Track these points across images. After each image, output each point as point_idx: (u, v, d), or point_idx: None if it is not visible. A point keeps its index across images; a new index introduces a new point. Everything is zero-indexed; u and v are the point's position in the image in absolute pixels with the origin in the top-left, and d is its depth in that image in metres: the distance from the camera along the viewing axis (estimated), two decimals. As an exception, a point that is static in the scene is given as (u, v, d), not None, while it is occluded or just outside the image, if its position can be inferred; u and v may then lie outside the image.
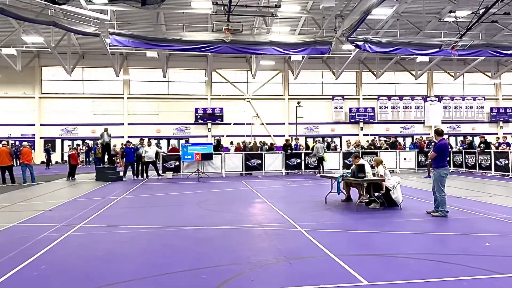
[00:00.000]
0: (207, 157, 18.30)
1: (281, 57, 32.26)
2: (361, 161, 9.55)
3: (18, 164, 18.62)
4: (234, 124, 33.67)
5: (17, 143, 28.24)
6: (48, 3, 17.77)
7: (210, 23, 24.53)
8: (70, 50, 30.41)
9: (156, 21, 25.45)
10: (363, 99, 35.75)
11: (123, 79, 32.88)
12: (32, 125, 31.90)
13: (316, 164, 19.22)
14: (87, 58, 32.47)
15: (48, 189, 13.97)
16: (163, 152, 19.98)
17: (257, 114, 34.37)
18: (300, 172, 19.52)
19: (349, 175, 9.55)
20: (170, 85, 34.09)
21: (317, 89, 35.55)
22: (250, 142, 22.88)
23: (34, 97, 32.04)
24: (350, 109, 35.27)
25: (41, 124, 32.14)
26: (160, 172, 18.23)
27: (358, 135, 34.44)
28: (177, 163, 18.61)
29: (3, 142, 17.63)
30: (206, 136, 33.40)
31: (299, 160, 19.62)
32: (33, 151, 26.43)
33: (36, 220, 8.30)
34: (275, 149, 22.24)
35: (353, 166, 9.54)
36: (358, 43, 20.53)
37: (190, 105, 33.62)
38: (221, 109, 33.78)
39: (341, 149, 25.36)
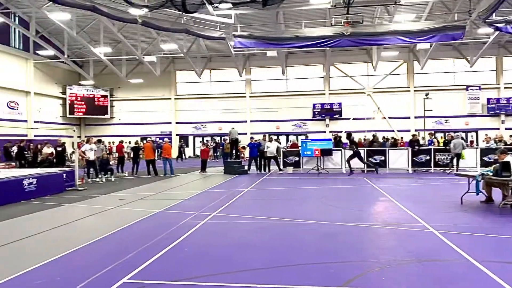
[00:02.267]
0: (326, 152, 18.22)
1: (405, 46, 30.25)
2: (508, 158, 8.44)
3: (160, 158, 21.03)
4: (354, 119, 32.76)
5: (157, 139, 31.98)
6: (181, 13, 19.73)
7: (328, 17, 24.30)
8: (200, 54, 33.22)
9: (276, 21, 26.23)
10: (505, 88, 31.34)
11: (246, 78, 34.66)
12: (169, 123, 35.84)
13: (448, 162, 17.57)
14: (214, 61, 35.12)
15: (184, 181, 15.57)
16: (283, 148, 20.52)
17: (378, 108, 32.86)
18: (430, 170, 18.07)
19: (491, 174, 8.53)
20: (289, 82, 34.76)
21: (447, 79, 32.39)
22: (375, 136, 21.92)
23: (170, 98, 35.93)
24: (488, 100, 31.24)
25: (176, 123, 35.90)
26: (281, 166, 18.78)
27: (498, 129, 30.33)
28: (297, 159, 18.93)
29: (147, 139, 20.21)
30: (324, 132, 33.21)
31: (427, 157, 18.17)
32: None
33: (177, 207, 9.34)
34: (399, 145, 21.00)
35: (496, 164, 8.48)
36: (499, 25, 18.11)
37: (308, 101, 33.81)
38: (340, 104, 33.20)
39: (477, 145, 22.68)
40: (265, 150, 18.40)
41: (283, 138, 32.96)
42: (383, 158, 18.33)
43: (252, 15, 24.97)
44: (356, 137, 22.15)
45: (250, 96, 34.93)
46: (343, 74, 33.77)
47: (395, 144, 20.62)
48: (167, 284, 4.38)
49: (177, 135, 35.66)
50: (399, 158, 18.33)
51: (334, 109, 33.25)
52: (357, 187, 13.13)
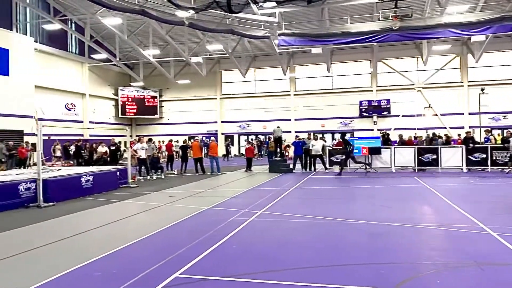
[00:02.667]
0: (374, 151, 17.75)
1: (458, 39, 28.85)
2: None
3: (206, 157, 21.48)
4: (403, 116, 31.65)
5: (204, 138, 32.68)
6: (226, 13, 20.02)
7: (375, 12, 23.65)
8: (244, 54, 33.53)
9: (320, 17, 25.91)
10: None
11: (290, 77, 34.54)
12: (215, 122, 36.50)
13: (507, 160, 16.54)
14: (258, 60, 35.31)
15: (230, 179, 15.80)
16: (329, 146, 20.24)
17: (429, 105, 31.51)
18: (486, 169, 17.08)
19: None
20: (334, 79, 34.21)
21: (505, 72, 30.38)
22: (435, 135, 21.08)
23: (216, 98, 36.58)
24: (552, 93, 29.04)
25: (222, 122, 36.50)
26: (327, 165, 18.53)
27: None
28: (344, 157, 18.56)
29: (195, 138, 20.71)
30: (372, 130, 32.36)
31: (484, 155, 17.17)
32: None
33: (224, 205, 9.50)
34: (452, 142, 20.04)
35: None
36: None
37: (354, 98, 33.11)
38: (388, 100, 32.21)
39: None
40: (311, 148, 18.23)
41: (328, 136, 32.52)
42: (434, 156, 17.56)
43: (296, 12, 24.81)
44: (406, 134, 21.47)
45: (294, 94, 34.78)
46: (391, 70, 32.73)
47: (447, 142, 19.70)
48: (219, 280, 4.47)
49: (222, 134, 36.25)
50: (452, 157, 17.48)
51: (382, 106, 32.31)
52: (408, 187, 12.68)
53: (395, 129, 29.84)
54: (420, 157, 17.65)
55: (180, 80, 35.37)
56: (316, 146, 18.18)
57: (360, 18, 23.31)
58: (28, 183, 9.91)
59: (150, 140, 18.20)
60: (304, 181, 14.49)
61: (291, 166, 18.43)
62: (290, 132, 31.92)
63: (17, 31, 25.85)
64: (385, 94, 32.68)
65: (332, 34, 20.78)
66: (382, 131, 24.91)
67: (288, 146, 26.05)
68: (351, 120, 33.48)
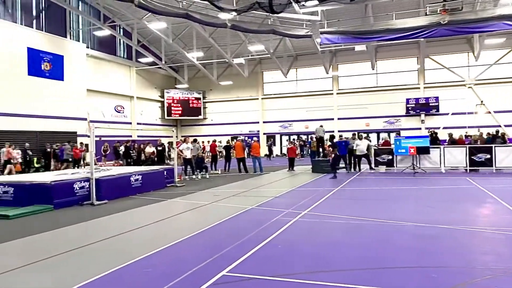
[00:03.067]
0: (423, 150, 17.09)
1: (514, 31, 27.13)
2: None
3: (249, 157, 21.65)
4: (452, 114, 30.26)
5: (246, 138, 32.96)
6: (268, 14, 20.10)
7: (422, 7, 22.80)
8: (286, 54, 33.47)
9: (364, 14, 25.32)
10: None
11: (333, 75, 34.05)
12: (257, 122, 36.72)
13: None
14: (300, 59, 35.11)
15: (273, 179, 15.84)
16: (374, 146, 19.76)
17: (481, 102, 29.90)
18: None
19: None
20: (379, 76, 33.34)
21: None
22: (498, 132, 20.02)
23: (257, 99, 36.79)
24: None
25: (263, 122, 36.65)
26: (373, 165, 18.11)
27: None
28: (390, 157, 18.08)
29: (238, 138, 20.95)
30: (419, 129, 31.18)
31: (544, 155, 16.06)
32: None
33: (268, 204, 9.54)
34: (508, 141, 18.89)
35: None
36: None
37: (400, 96, 32.07)
38: (436, 98, 30.91)
39: None
40: (355, 148, 17.89)
41: (373, 136, 31.74)
42: (488, 156, 16.64)
43: (338, 10, 24.43)
44: (456, 133, 20.52)
45: (337, 93, 34.25)
46: (439, 66, 31.38)
47: (504, 140, 18.59)
48: (266, 279, 4.51)
49: (264, 134, 36.39)
50: (507, 157, 16.47)
51: (430, 104, 31.06)
52: (459, 188, 12.12)
53: (444, 128, 28.59)
54: (472, 157, 16.79)
55: (223, 81, 35.94)
56: (361, 146, 17.82)
57: (405, 14, 22.56)
58: (83, 182, 10.48)
59: (195, 140, 18.63)
60: (349, 181, 14.24)
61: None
62: (333, 131, 31.44)
63: (70, 38, 27.37)
64: (433, 91, 31.39)
65: (377, 31, 20.28)
66: (430, 130, 23.93)
67: (331, 146, 25.64)
68: (397, 118, 32.45)
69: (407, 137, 19.00)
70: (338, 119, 33.74)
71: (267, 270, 4.81)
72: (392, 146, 18.43)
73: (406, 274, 4.68)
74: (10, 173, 17.39)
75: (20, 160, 19.09)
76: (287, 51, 33.47)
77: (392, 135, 29.65)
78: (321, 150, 20.06)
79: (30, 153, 20.03)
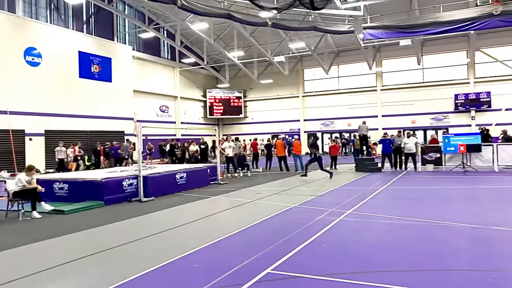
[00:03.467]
0: (474, 148, 16.27)
1: None
2: None
3: (290, 155, 21.58)
4: (506, 110, 28.52)
5: (286, 136, 32.90)
6: (309, 10, 19.87)
7: (473, -3, 21.66)
8: (327, 50, 33.02)
9: (409, 7, 24.47)
10: None
11: (376, 71, 33.19)
12: (297, 121, 36.53)
13: None
14: (341, 55, 34.52)
15: (315, 177, 15.66)
16: (421, 144, 19.04)
17: (539, 96, 28.02)
18: None
19: None
20: (425, 72, 32.10)
21: None
22: None
23: (298, 96, 36.59)
24: None
25: (304, 120, 36.39)
26: (419, 164, 17.46)
27: None
28: (438, 155, 17.36)
29: (279, 136, 20.95)
30: (469, 125, 29.72)
31: None
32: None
33: (310, 203, 9.46)
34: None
35: None
36: None
37: (448, 91, 30.71)
38: (488, 93, 29.32)
39: None
40: (402, 146, 17.31)
41: (419, 133, 30.63)
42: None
43: (382, 4, 23.75)
44: (511, 130, 19.35)
45: (381, 89, 33.36)
46: (491, 59, 29.72)
47: None
48: (311, 278, 4.48)
49: (305, 132, 36.12)
50: None
51: (481, 99, 29.51)
52: (515, 188, 11.43)
53: (496, 124, 27.00)
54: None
55: (263, 80, 36.04)
56: (409, 144, 17.19)
57: (454, 5, 21.53)
58: (131, 179, 10.90)
59: (236, 139, 18.84)
60: (395, 180, 13.82)
61: (380, 165, 17.69)
62: (377, 129, 30.68)
63: (117, 41, 28.51)
64: (484, 86, 29.78)
65: (423, 24, 19.49)
66: (482, 127, 22.72)
67: (375, 144, 25.06)
68: (445, 115, 31.10)
69: (456, 134, 18.17)
70: (382, 116, 32.85)
71: (312, 269, 4.77)
72: (440, 144, 17.69)
73: (460, 277, 4.48)
74: (77, 169, 18.74)
75: (73, 159, 20.19)
76: (329, 48, 33.00)
77: (440, 132, 28.49)
78: (365, 148, 19.60)
79: (82, 151, 21.11)
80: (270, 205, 9.39)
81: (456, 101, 30.37)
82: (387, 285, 4.17)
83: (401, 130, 19.37)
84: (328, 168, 16.71)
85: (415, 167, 17.25)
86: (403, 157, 17.56)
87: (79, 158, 20.28)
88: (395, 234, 6.44)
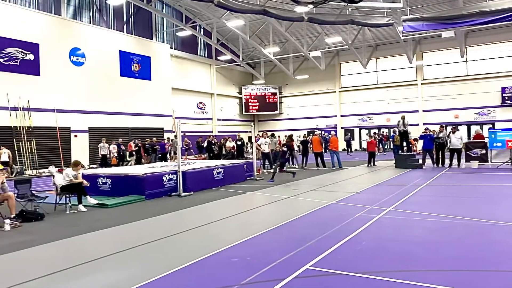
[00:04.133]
0: (523, 144, 15.42)
1: None
2: None
3: (326, 151, 21.33)
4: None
5: (323, 133, 32.47)
6: (346, 4, 19.50)
7: (523, -16, 20.41)
8: (365, 44, 32.27)
9: (452, -3, 23.47)
10: None
11: (416, 65, 32.10)
12: (334, 116, 36.02)
13: None
14: (380, 49, 33.65)
15: (352, 174, 15.42)
16: (465, 139, 18.24)
17: None
18: None
19: None
20: (470, 64, 30.68)
21: None
22: None
23: (335, 92, 36.05)
24: None
25: (341, 115, 35.82)
26: (463, 161, 16.75)
27: None
28: (483, 151, 16.58)
29: (315, 132, 20.74)
30: (518, 120, 28.17)
31: None
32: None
33: (349, 200, 9.31)
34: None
35: None
36: None
37: (495, 84, 29.22)
38: (539, 85, 27.64)
39: None
40: (447, 142, 16.64)
41: (463, 128, 29.38)
42: None
43: (424, -5, 22.94)
44: None
45: (422, 83, 32.24)
46: (543, 49, 27.97)
47: None
48: (351, 275, 4.41)
49: (342, 128, 35.57)
50: None
51: (531, 92, 27.86)
52: None
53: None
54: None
55: (299, 75, 35.77)
56: (453, 140, 16.51)
57: (502, -7, 20.39)
58: (170, 174, 11.17)
59: (272, 135, 18.82)
60: (437, 177, 13.33)
61: (421, 161, 17.12)
62: (417, 124, 29.72)
63: (156, 40, 29.22)
64: (535, 78, 28.12)
65: (467, 15, 18.65)
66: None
67: (415, 139, 24.27)
68: (492, 109, 29.63)
69: (503, 130, 17.28)
70: (423, 111, 31.77)
71: (351, 266, 4.70)
72: (486, 139, 16.89)
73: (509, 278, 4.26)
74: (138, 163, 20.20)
75: (115, 155, 20.95)
76: (366, 41, 32.25)
77: (486, 127, 27.20)
78: (405, 144, 19.04)
79: (123, 148, 21.86)
80: (308, 201, 9.34)
81: (504, 95, 28.84)
82: (430, 285, 4.04)
83: (444, 125, 18.60)
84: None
85: (459, 164, 16.57)
86: (445, 153, 16.90)
87: (133, 153, 21.27)
88: (440, 233, 6.21)
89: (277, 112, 38.71)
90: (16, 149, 18.91)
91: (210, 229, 6.99)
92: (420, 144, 20.69)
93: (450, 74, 31.23)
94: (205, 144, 22.96)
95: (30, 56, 20.16)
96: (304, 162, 19.23)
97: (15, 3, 20.50)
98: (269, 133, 19.07)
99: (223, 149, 21.67)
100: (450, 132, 16.98)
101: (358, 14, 23.27)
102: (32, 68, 20.22)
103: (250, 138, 23.09)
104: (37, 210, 8.29)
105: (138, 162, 21.56)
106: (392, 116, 31.70)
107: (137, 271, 4.79)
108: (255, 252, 5.44)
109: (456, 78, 30.90)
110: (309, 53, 31.87)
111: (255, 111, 38.50)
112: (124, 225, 7.41)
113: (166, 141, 23.05)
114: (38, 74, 20.48)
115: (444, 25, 19.97)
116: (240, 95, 38.05)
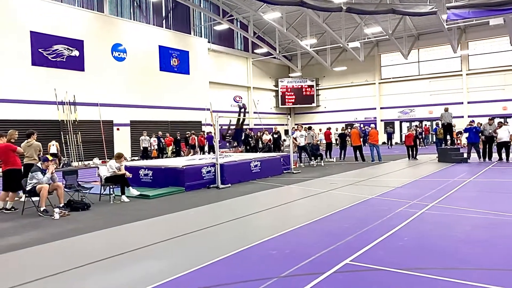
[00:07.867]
0: None
1: None
2: None
3: (365, 144, 20.91)
4: None
5: (361, 125, 31.81)
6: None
7: None
8: (406, 34, 31.19)
9: (502, -19, 22.10)
10: None
11: (461, 54, 30.68)
12: (373, 109, 35.17)
13: None
14: (422, 38, 32.41)
15: (393, 168, 15.02)
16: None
17: None
18: None
19: None
20: (520, 53, 28.92)
21: None
22: None
23: (374, 83, 35.15)
24: None
25: (381, 108, 34.91)
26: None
27: None
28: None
29: (354, 125, 20.35)
30: None
31: None
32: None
33: (389, 195, 9.08)
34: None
35: None
36: None
37: (550, 74, 27.42)
38: None
39: None
40: (494, 135, 15.82)
41: (511, 121, 27.81)
42: None
43: (470, -20, 21.71)
44: None
45: (467, 74, 30.79)
46: None
47: None
48: (393, 271, 4.31)
49: (382, 120, 34.68)
50: None
51: None
52: None
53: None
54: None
55: (337, 67, 35.13)
56: (501, 133, 15.67)
57: (559, -25, 18.99)
58: (209, 167, 11.35)
59: (309, 128, 18.65)
60: (483, 172, 12.74)
61: (466, 155, 16.39)
62: (462, 117, 28.46)
63: (194, 35, 29.62)
64: None
65: (519, -1, 17.52)
66: None
67: (459, 132, 23.26)
68: (544, 100, 27.87)
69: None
70: (468, 103, 30.37)
71: (393, 262, 4.59)
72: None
73: None
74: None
75: (156, 147, 21.55)
76: (408, 31, 31.14)
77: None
78: (449, 137, 18.29)
79: (163, 141, 22.42)
80: (346, 195, 9.20)
81: (558, 85, 27.05)
82: (479, 284, 3.88)
83: (492, 117, 17.69)
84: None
85: (508, 158, 15.73)
86: (493, 147, 16.08)
87: (151, 147, 21.66)
88: (487, 230, 5.94)
89: (314, 105, 38.29)
90: (63, 141, 19.88)
91: (249, 221, 7.05)
92: (464, 137, 19.81)
93: (498, 64, 29.58)
94: (242, 137, 23.09)
95: (76, 53, 21.04)
96: (343, 156, 18.94)
97: (61, 2, 21.40)
98: (306, 126, 18.93)
99: (260, 142, 21.72)
100: (496, 128, 16.07)
101: (399, 3, 22.48)
102: (77, 64, 21.11)
103: (286, 131, 23.01)
104: (84, 200, 8.69)
105: (177, 154, 22.06)
106: (435, 108, 30.50)
107: (178, 261, 4.92)
108: (294, 245, 5.43)
109: (505, 68, 29.24)
110: (347, 44, 31.21)
111: (291, 104, 38.27)
112: (166, 216, 7.61)
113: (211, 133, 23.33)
114: (83, 70, 21.35)
115: (492, 12, 18.84)
116: (276, 88, 37.92)
